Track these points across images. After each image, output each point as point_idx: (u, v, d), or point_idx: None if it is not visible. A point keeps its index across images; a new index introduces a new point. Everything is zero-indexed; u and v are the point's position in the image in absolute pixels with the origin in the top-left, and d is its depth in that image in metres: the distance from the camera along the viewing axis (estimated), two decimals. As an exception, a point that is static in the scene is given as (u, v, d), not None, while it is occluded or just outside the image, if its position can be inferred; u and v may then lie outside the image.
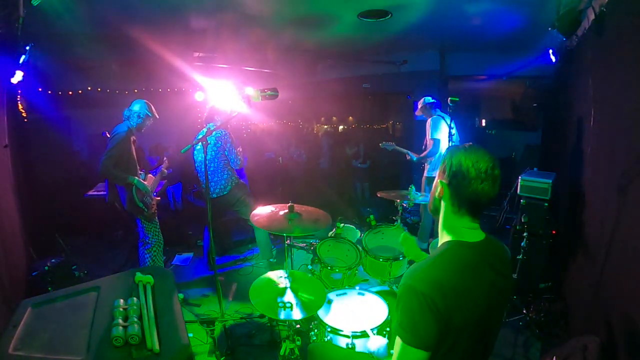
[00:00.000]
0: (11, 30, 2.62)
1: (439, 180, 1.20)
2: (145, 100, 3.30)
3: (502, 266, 1.20)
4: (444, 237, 1.21)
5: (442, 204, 1.21)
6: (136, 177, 3.23)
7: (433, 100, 4.08)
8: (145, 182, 3.29)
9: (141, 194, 3.25)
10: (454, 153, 1.16)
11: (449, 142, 3.95)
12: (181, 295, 3.39)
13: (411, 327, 1.04)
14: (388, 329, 2.10)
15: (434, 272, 1.08)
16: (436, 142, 3.95)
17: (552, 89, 4.90)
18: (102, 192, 4.23)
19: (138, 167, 3.31)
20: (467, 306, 1.07)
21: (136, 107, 3.24)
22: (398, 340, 1.07)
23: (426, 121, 4.17)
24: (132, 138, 3.23)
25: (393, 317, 2.11)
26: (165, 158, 3.81)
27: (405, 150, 4.27)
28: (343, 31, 4.24)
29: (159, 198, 3.48)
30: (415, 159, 4.14)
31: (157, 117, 3.37)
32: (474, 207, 1.15)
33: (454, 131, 3.82)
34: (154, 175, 3.50)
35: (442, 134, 3.94)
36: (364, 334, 2.01)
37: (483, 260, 1.15)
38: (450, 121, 3.80)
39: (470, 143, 1.20)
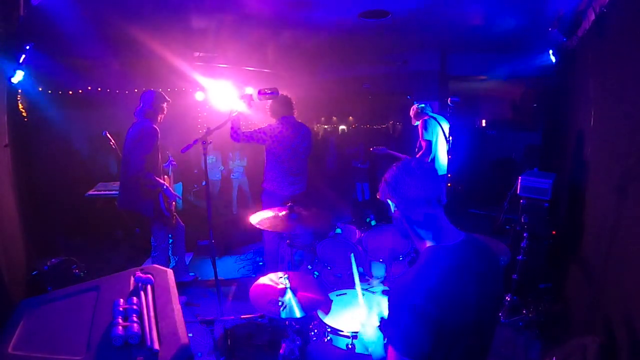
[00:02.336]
0: (11, 30, 2.62)
1: (394, 204, 1.23)
2: (153, 90, 3.23)
3: (488, 262, 1.21)
4: (423, 245, 1.22)
5: (403, 218, 1.23)
6: (164, 183, 3.14)
7: (423, 105, 4.07)
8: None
9: (168, 201, 3.19)
10: (389, 174, 1.24)
11: (446, 143, 3.93)
12: (184, 298, 3.40)
13: (405, 338, 1.04)
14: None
15: (423, 280, 1.08)
16: (429, 143, 3.92)
17: (552, 89, 4.90)
18: (102, 192, 4.24)
19: (161, 168, 3.24)
20: (459, 309, 1.07)
21: (153, 99, 3.12)
22: (392, 351, 1.07)
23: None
24: (159, 134, 3.12)
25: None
26: (170, 155, 3.79)
27: (398, 155, 4.26)
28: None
29: (174, 202, 3.43)
30: None
31: (169, 100, 3.28)
32: (424, 200, 1.18)
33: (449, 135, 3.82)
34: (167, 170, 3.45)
35: (434, 135, 3.92)
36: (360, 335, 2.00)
37: (467, 260, 1.15)
38: (449, 126, 3.80)
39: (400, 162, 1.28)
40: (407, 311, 1.03)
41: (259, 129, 3.32)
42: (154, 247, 3.34)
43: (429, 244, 1.19)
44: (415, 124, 4.13)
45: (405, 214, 1.22)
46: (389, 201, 1.26)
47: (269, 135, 3.28)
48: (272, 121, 3.40)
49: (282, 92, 3.45)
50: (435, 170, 1.26)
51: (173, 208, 3.36)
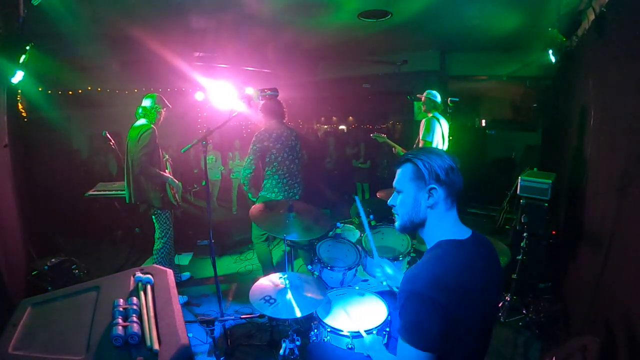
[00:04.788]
0: (11, 30, 2.62)
1: (427, 189, 1.18)
2: (155, 94, 3.35)
3: (492, 258, 1.24)
4: (434, 239, 1.22)
5: (438, 208, 1.20)
6: (169, 175, 3.33)
7: (439, 102, 4.03)
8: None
9: (174, 191, 3.36)
10: (428, 158, 1.20)
11: (443, 145, 3.94)
12: (184, 298, 3.40)
13: (418, 330, 1.04)
14: (388, 329, 2.10)
15: (436, 273, 1.09)
16: (426, 143, 3.91)
17: (552, 89, 4.91)
18: (102, 192, 4.24)
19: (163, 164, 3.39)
20: (469, 303, 1.08)
21: (152, 102, 3.27)
22: (403, 344, 1.07)
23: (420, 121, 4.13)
24: (157, 133, 3.25)
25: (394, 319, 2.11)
26: (163, 153, 3.82)
27: (393, 144, 4.26)
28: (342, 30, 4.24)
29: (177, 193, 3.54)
30: (402, 154, 4.10)
31: (170, 106, 3.42)
32: (459, 196, 1.22)
33: (448, 136, 3.82)
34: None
35: (435, 137, 3.92)
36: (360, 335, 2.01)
37: (477, 255, 1.17)
38: (449, 126, 3.79)
39: (421, 148, 1.26)
40: (418, 302, 1.04)
41: (253, 148, 3.22)
42: (158, 239, 3.39)
43: (441, 238, 1.20)
44: (419, 111, 4.12)
45: (440, 205, 1.19)
46: (430, 189, 1.18)
47: (260, 146, 3.21)
48: (260, 129, 3.33)
49: (282, 92, 3.45)
50: None
51: (178, 198, 3.48)
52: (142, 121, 3.25)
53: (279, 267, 3.76)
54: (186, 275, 3.92)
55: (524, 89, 6.27)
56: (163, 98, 3.36)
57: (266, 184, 3.38)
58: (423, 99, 3.99)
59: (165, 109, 3.37)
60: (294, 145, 3.39)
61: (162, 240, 3.38)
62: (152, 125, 3.22)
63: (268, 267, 3.58)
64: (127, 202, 3.42)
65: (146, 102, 3.29)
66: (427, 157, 1.19)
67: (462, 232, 1.20)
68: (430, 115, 3.95)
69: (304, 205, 2.70)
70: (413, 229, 1.26)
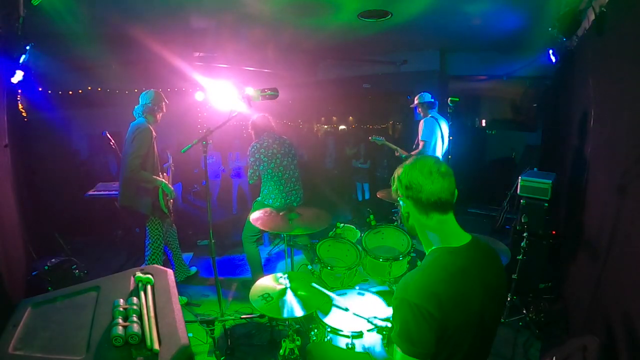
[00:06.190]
0: (11, 30, 2.62)
1: (399, 201, 1.24)
2: (152, 90, 3.23)
3: (492, 265, 1.22)
4: (430, 246, 1.22)
5: (413, 219, 1.23)
6: (163, 180, 3.15)
7: (432, 100, 4.05)
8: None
9: (167, 198, 3.20)
10: (403, 171, 1.21)
11: (442, 145, 3.93)
12: (185, 299, 3.39)
13: (408, 337, 1.05)
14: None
15: (426, 282, 1.09)
16: (426, 143, 3.92)
17: (552, 89, 4.90)
18: (102, 192, 4.24)
19: (159, 167, 3.24)
20: (463, 310, 1.08)
21: (149, 98, 3.14)
22: (396, 349, 1.08)
23: (419, 121, 4.15)
24: (154, 134, 3.12)
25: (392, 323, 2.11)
26: (169, 154, 3.80)
27: (394, 147, 4.27)
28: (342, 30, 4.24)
29: (172, 200, 3.43)
30: (403, 156, 4.13)
31: (167, 102, 3.29)
32: (439, 205, 1.17)
33: (448, 136, 3.82)
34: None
35: (434, 136, 3.93)
36: (360, 334, 2.01)
37: (473, 262, 1.16)
38: (449, 125, 3.79)
39: (418, 156, 1.27)
40: (410, 311, 1.04)
41: (249, 161, 3.35)
42: (147, 245, 3.32)
43: (435, 245, 1.20)
44: (419, 115, 4.13)
45: (415, 216, 1.21)
46: (400, 200, 1.24)
47: (254, 159, 3.31)
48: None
49: (282, 92, 3.45)
50: (452, 172, 1.20)
51: (171, 205, 3.37)
52: (138, 120, 3.13)
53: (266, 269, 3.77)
54: (193, 269, 3.90)
55: (524, 89, 6.27)
56: (160, 93, 3.22)
57: (263, 191, 3.43)
58: (418, 107, 4.02)
59: (163, 104, 3.22)
60: (287, 153, 3.42)
61: (151, 248, 3.30)
62: (147, 125, 3.07)
63: (257, 268, 3.60)
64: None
65: (142, 100, 3.16)
66: (402, 171, 1.21)
67: (460, 239, 1.19)
68: (429, 116, 3.96)
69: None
70: (408, 230, 1.30)
